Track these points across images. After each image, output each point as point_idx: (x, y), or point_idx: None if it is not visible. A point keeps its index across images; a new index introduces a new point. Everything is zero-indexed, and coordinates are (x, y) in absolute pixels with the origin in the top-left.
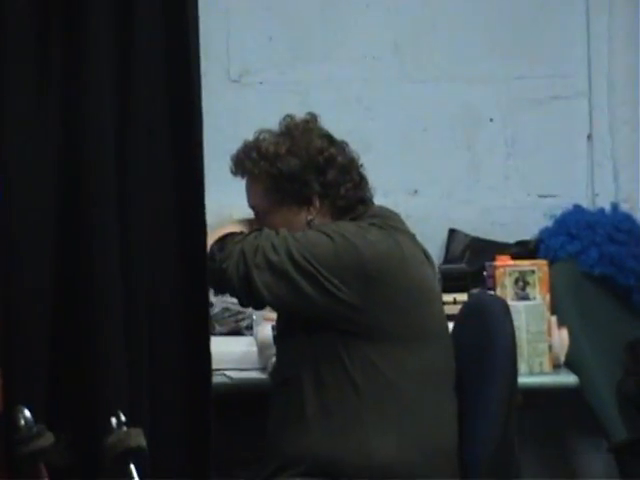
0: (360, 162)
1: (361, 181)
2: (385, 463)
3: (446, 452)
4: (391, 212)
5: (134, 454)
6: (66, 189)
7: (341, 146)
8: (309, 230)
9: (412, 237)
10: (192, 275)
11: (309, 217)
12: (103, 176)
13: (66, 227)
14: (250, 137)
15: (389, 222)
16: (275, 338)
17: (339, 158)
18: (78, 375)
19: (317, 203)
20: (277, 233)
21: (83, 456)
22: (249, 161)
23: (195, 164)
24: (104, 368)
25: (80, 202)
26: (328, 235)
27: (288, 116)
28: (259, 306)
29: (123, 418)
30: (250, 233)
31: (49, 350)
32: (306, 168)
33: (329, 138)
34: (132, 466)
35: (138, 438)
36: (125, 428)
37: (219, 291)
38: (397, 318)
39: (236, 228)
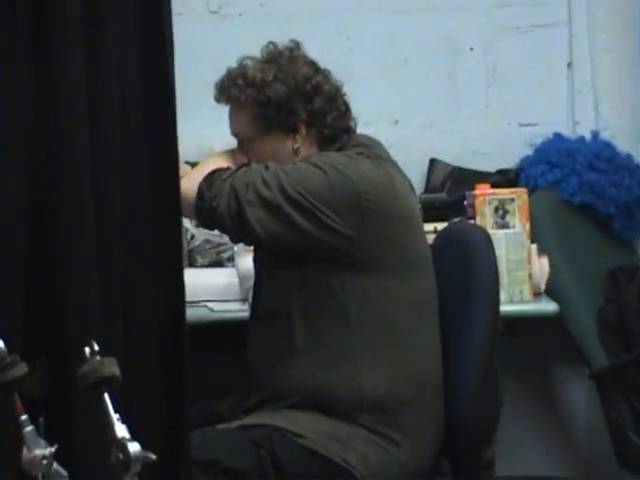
0: (344, 91)
1: (346, 110)
2: (375, 394)
3: (435, 383)
4: (374, 141)
5: (108, 383)
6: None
7: (326, 74)
8: (299, 163)
9: (397, 166)
10: (165, 206)
11: (295, 145)
12: (72, 111)
13: (38, 149)
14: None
15: (375, 151)
16: (256, 270)
17: (326, 86)
18: (51, 305)
19: (303, 131)
20: (267, 167)
21: (57, 386)
22: (235, 87)
23: (167, 101)
24: (77, 298)
25: (53, 148)
26: (320, 167)
27: (271, 43)
28: (252, 243)
29: (96, 347)
30: (239, 169)
31: (22, 279)
32: (293, 95)
33: (315, 66)
34: (106, 395)
35: (112, 367)
36: (98, 357)
37: (210, 228)
38: (391, 248)
39: (218, 160)
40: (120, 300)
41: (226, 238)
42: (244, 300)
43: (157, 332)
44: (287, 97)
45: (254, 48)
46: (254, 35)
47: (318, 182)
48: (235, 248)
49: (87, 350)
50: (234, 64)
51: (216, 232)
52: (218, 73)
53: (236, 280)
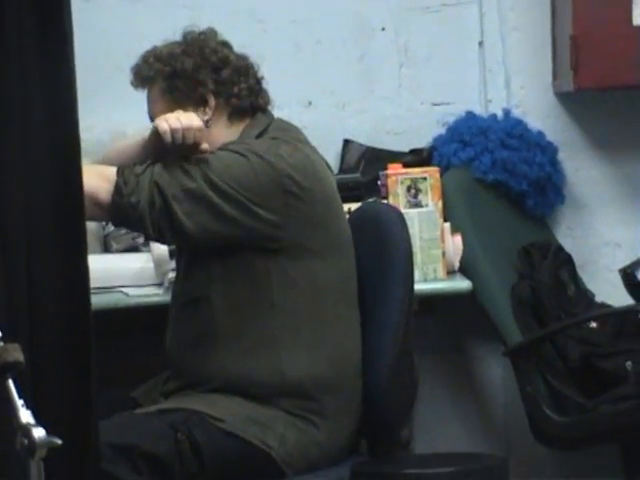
0: (260, 74)
1: (257, 86)
2: (296, 379)
3: (355, 364)
4: (290, 125)
5: (11, 369)
6: None
7: (238, 53)
8: (219, 151)
9: (314, 149)
10: (66, 191)
11: (205, 117)
12: None
13: None
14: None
15: (293, 135)
16: (173, 256)
17: (233, 59)
18: None
19: (212, 102)
20: (184, 160)
21: None
22: (145, 65)
23: (68, 91)
24: None
25: None
26: (242, 154)
27: (188, 26)
28: (179, 239)
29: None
30: (154, 163)
31: None
32: (201, 67)
33: (225, 44)
34: (10, 381)
35: (15, 353)
36: (1, 343)
37: (122, 226)
38: (316, 231)
39: (125, 151)
40: (23, 286)
41: None
42: (159, 284)
43: (62, 317)
44: (194, 68)
45: (165, 32)
46: (165, 19)
47: (241, 169)
48: None
49: None
50: (145, 48)
51: None
52: (130, 58)
53: (151, 265)
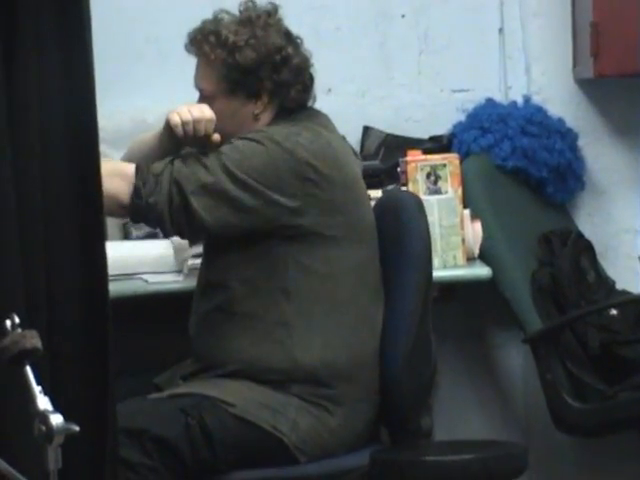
0: (313, 70)
1: (311, 84)
2: (309, 365)
3: (371, 353)
4: (319, 112)
5: (29, 355)
6: None
7: (297, 44)
8: (236, 141)
9: (339, 135)
10: (84, 188)
11: (256, 111)
12: None
13: None
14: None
15: (318, 121)
16: (193, 243)
17: (295, 59)
18: None
19: (266, 99)
20: (203, 153)
21: None
22: (207, 44)
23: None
24: None
25: None
26: (259, 142)
27: (250, 1)
28: (198, 234)
29: (17, 320)
30: (173, 160)
31: None
32: (262, 63)
33: (288, 35)
34: (28, 367)
35: (33, 340)
36: (20, 330)
37: (148, 225)
38: (335, 218)
39: (145, 143)
40: (42, 272)
41: None
42: (179, 272)
43: (80, 304)
44: (256, 64)
45: (186, 19)
46: (185, 6)
47: (259, 158)
48: None
49: (8, 323)
50: (166, 36)
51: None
52: (150, 44)
53: (171, 252)
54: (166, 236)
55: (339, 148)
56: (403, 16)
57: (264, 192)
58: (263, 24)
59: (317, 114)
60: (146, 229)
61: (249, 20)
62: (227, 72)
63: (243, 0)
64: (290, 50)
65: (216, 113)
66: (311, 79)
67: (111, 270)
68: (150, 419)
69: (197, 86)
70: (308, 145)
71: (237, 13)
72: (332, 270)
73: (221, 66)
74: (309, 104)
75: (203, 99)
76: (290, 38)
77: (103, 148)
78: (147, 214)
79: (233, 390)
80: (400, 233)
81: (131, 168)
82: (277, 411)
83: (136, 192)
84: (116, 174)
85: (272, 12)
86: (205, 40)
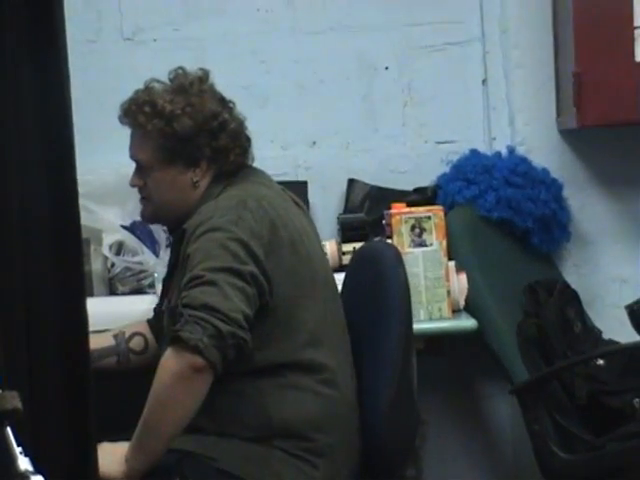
0: (245, 125)
1: (248, 145)
2: (283, 421)
3: (345, 402)
4: (255, 169)
5: (9, 417)
6: None
7: (231, 108)
8: (200, 245)
9: (279, 190)
10: (64, 235)
11: (195, 179)
12: None
13: None
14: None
15: (255, 179)
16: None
17: (232, 124)
18: None
19: (204, 166)
20: (188, 282)
21: None
22: (142, 115)
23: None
24: None
25: None
26: (210, 240)
27: (180, 68)
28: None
29: None
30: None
31: None
32: (200, 131)
33: (222, 101)
34: (8, 429)
35: (13, 400)
36: (0, 391)
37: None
38: (287, 279)
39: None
40: (22, 332)
41: (146, 265)
42: None
43: (61, 363)
44: (193, 132)
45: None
46: (169, 61)
47: (225, 254)
48: (155, 274)
49: None
50: (145, 82)
51: (136, 259)
52: None
53: None
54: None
55: (279, 205)
56: (387, 68)
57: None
58: (197, 91)
59: (253, 172)
60: (131, 285)
61: (182, 88)
62: (164, 142)
63: (172, 69)
64: (226, 115)
65: (154, 183)
66: (248, 140)
67: (98, 325)
68: None
69: (133, 157)
70: (251, 222)
71: (167, 81)
72: (291, 325)
73: (158, 136)
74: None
75: (139, 169)
76: (224, 103)
77: (89, 204)
78: (217, 351)
79: (216, 445)
80: (378, 283)
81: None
82: (261, 464)
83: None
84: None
85: (204, 78)
86: (140, 111)
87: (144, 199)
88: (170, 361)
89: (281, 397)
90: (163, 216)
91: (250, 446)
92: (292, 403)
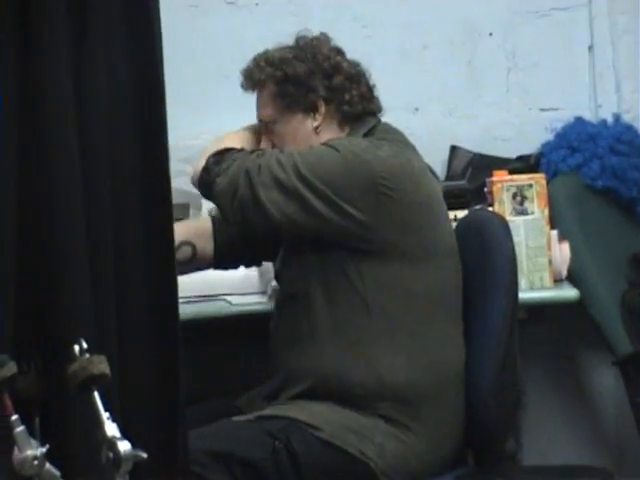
0: (372, 82)
1: (369, 93)
2: (394, 383)
3: (455, 374)
4: (396, 129)
5: (97, 381)
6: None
7: (350, 60)
8: (317, 145)
9: (418, 154)
10: (155, 204)
11: (315, 124)
12: (60, 111)
13: (26, 148)
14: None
15: (397, 137)
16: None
17: (346, 66)
18: (41, 304)
19: (323, 109)
20: (282, 151)
21: (51, 386)
22: (256, 69)
23: (157, 100)
24: (66, 296)
25: (40, 147)
26: (337, 150)
27: (302, 31)
28: (262, 228)
29: (85, 345)
30: (252, 152)
31: (11, 279)
32: (312, 73)
33: (338, 50)
34: (95, 393)
35: (101, 365)
36: (88, 355)
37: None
38: (409, 236)
39: (234, 139)
40: (111, 298)
41: None
42: (263, 293)
43: (150, 328)
44: (305, 74)
45: (271, 38)
46: (271, 25)
47: (333, 165)
48: None
49: (76, 348)
50: (251, 56)
51: None
52: (236, 64)
53: (255, 273)
54: (227, 223)
55: (418, 166)
56: (491, 34)
57: (333, 199)
58: (310, 40)
59: (394, 130)
60: None
61: (296, 42)
62: (278, 88)
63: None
64: (340, 59)
65: (278, 137)
66: (368, 87)
67: (194, 292)
68: (237, 442)
69: (258, 118)
70: (387, 159)
71: None
72: (407, 289)
73: (272, 84)
74: (378, 115)
75: (264, 128)
76: (341, 52)
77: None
78: (208, 191)
79: (318, 413)
80: (485, 254)
81: (217, 145)
82: (363, 435)
83: (206, 167)
84: (206, 151)
85: (321, 37)
86: (256, 66)
87: None
88: None
89: (394, 359)
90: None
91: (353, 415)
92: (403, 367)
